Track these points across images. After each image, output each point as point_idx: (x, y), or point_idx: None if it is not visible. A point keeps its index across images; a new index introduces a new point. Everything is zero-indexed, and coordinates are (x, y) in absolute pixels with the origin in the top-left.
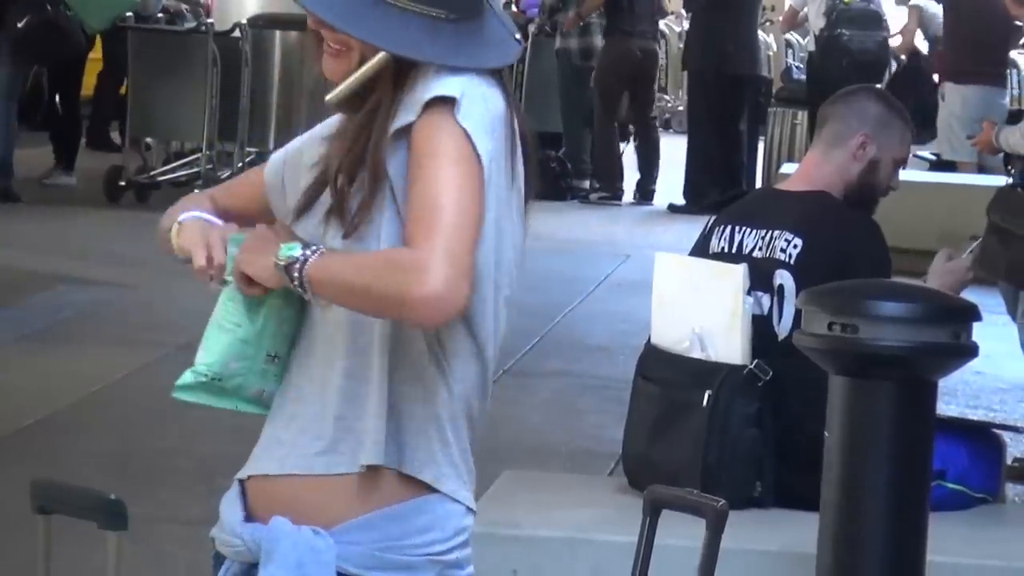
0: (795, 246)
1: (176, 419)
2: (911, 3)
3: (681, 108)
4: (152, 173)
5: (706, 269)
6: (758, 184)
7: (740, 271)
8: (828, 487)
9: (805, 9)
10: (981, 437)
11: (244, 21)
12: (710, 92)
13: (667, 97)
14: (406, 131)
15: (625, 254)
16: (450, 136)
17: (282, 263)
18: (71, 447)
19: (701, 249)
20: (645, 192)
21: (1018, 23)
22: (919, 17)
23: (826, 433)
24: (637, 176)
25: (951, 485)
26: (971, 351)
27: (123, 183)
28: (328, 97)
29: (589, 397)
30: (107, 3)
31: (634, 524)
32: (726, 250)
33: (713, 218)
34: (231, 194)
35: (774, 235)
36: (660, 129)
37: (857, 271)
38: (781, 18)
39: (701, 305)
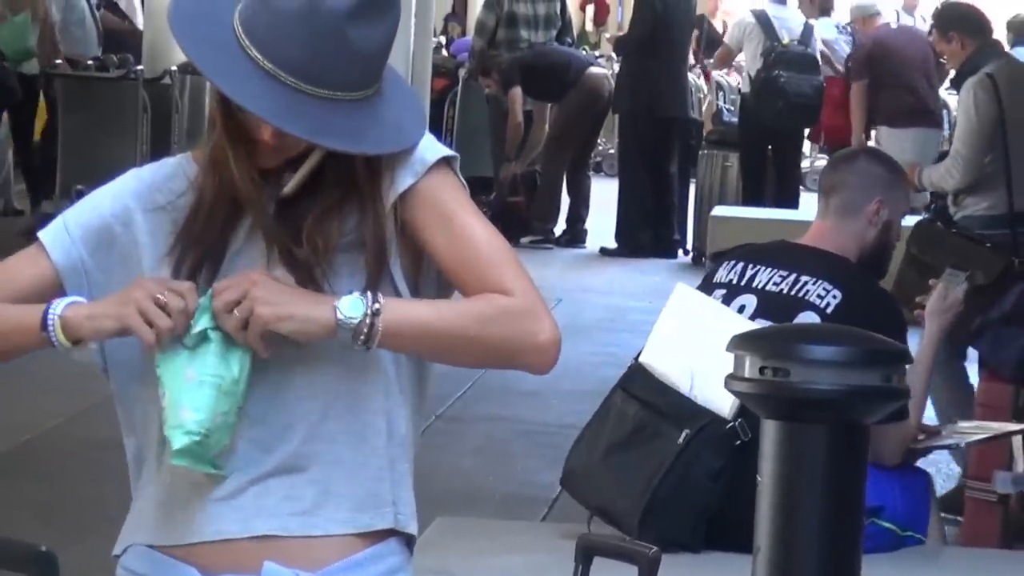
0: (834, 296)
1: (107, 467)
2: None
3: (612, 151)
4: None
5: (722, 314)
6: (690, 226)
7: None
8: (761, 530)
9: (739, 51)
10: (908, 471)
11: (174, 68)
12: (641, 135)
13: (599, 140)
14: (405, 193)
15: (557, 298)
16: (462, 192)
17: (348, 318)
18: (4, 498)
19: (706, 282)
20: (576, 235)
21: (943, 60)
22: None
23: (759, 477)
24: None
25: (885, 524)
26: (903, 394)
27: None
28: (286, 190)
29: (521, 442)
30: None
31: (567, 570)
32: (734, 282)
33: (717, 260)
34: (12, 293)
35: (804, 279)
36: (592, 172)
37: None
38: (715, 56)
39: (704, 345)
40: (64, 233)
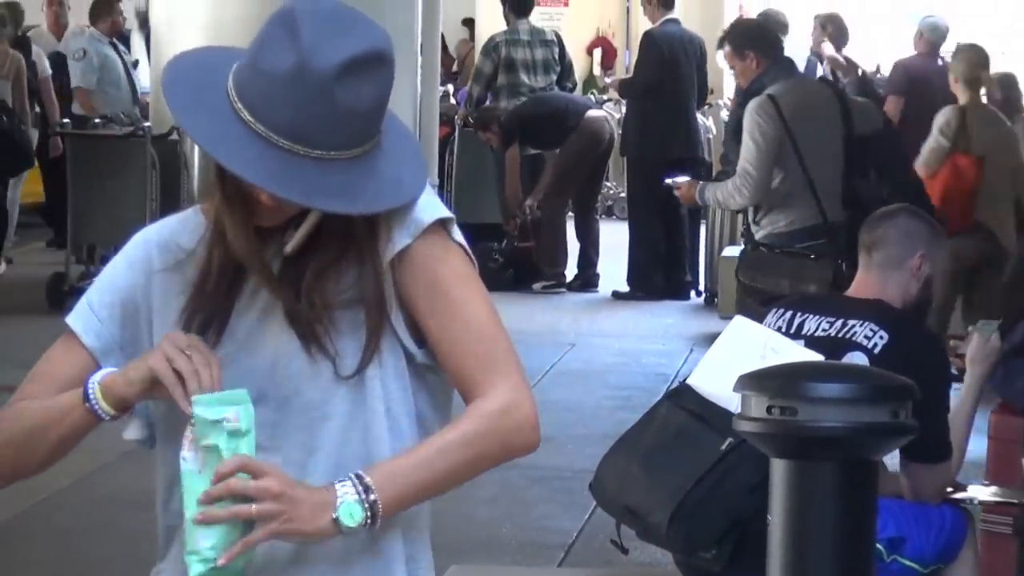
0: (881, 337)
1: (116, 528)
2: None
3: (623, 194)
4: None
5: (781, 342)
6: (701, 267)
7: (814, 357)
8: (772, 569)
9: None
10: (940, 507)
11: None
12: (650, 177)
13: (608, 184)
14: (400, 253)
15: (570, 343)
16: (456, 255)
17: (349, 523)
18: (13, 558)
19: None
20: (588, 279)
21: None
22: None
23: (769, 516)
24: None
25: (907, 562)
26: (911, 429)
27: (66, 289)
28: (287, 249)
29: (537, 488)
30: None
31: None
32: (783, 329)
33: (767, 304)
34: (55, 387)
35: (851, 323)
36: (602, 215)
37: (930, 384)
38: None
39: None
40: (91, 316)
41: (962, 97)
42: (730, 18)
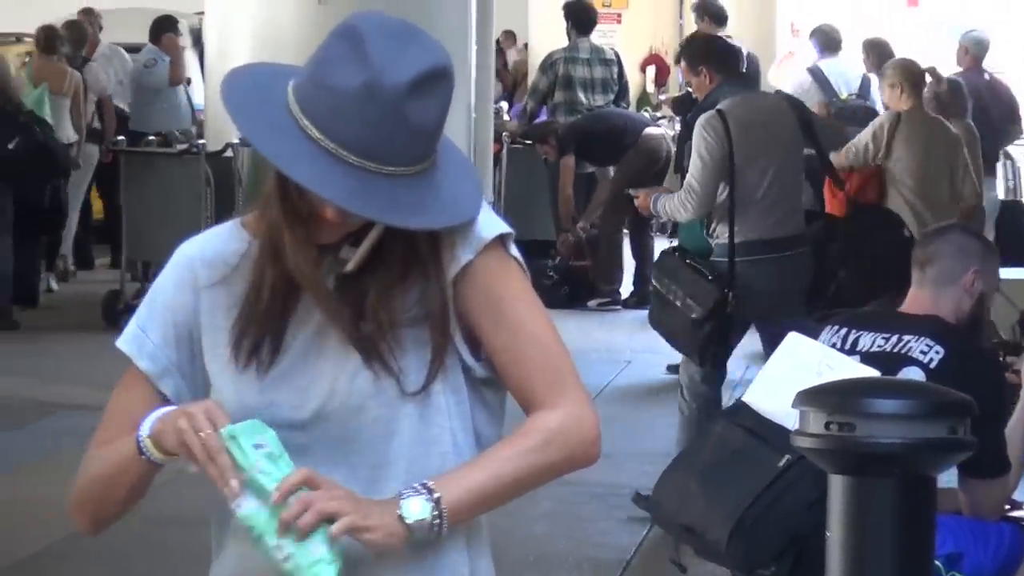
0: (937, 352)
1: (167, 547)
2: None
3: None
4: None
5: (836, 358)
6: None
7: (870, 373)
8: None
9: None
10: (1000, 523)
11: (236, 140)
12: None
13: None
14: (462, 269)
15: (626, 360)
16: (515, 270)
17: (416, 521)
18: None
19: None
20: (643, 296)
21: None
22: None
23: (827, 533)
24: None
25: None
26: (969, 445)
27: (121, 307)
28: (349, 266)
29: (593, 505)
30: None
31: None
32: (837, 345)
33: (822, 321)
34: (127, 424)
35: (906, 339)
36: (657, 232)
37: (987, 399)
38: None
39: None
40: (145, 339)
41: (903, 104)
42: (783, 33)
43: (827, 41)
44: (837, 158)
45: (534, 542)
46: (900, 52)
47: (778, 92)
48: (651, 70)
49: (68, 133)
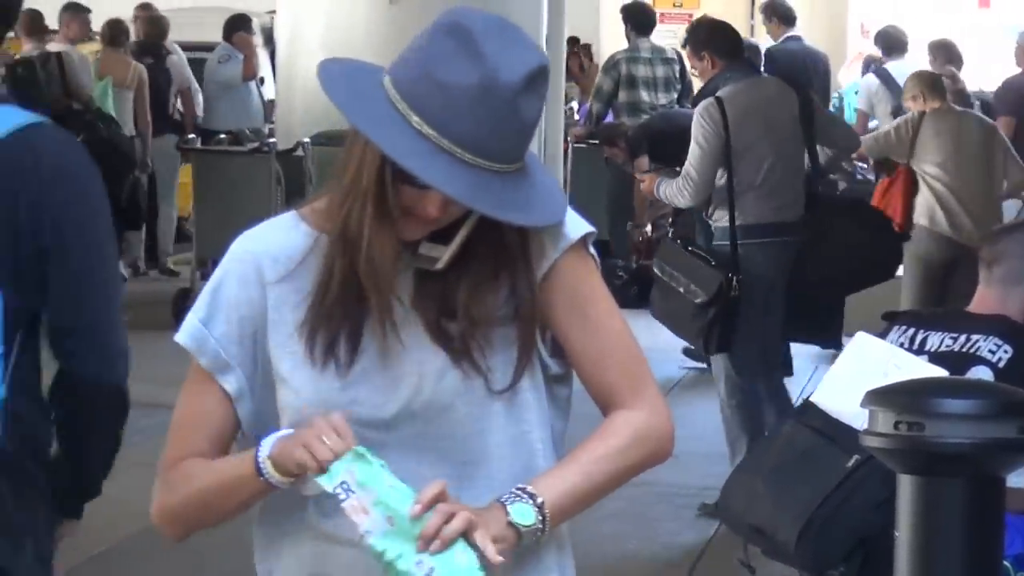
0: (1006, 351)
1: (244, 545)
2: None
3: None
4: None
5: (904, 357)
6: None
7: (939, 372)
8: None
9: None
10: None
11: (306, 139)
12: None
13: None
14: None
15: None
16: (595, 269)
17: (526, 527)
18: (143, 573)
19: None
20: None
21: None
22: None
23: (896, 532)
24: None
25: None
26: None
27: (191, 305)
28: (439, 264)
29: (662, 505)
30: None
31: None
32: (905, 345)
33: (889, 323)
34: (213, 441)
35: (974, 338)
36: None
37: None
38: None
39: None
40: (206, 335)
41: (927, 108)
42: (854, 34)
43: (891, 43)
44: (859, 149)
45: (603, 541)
46: (970, 54)
47: (784, 78)
48: None
49: (130, 126)
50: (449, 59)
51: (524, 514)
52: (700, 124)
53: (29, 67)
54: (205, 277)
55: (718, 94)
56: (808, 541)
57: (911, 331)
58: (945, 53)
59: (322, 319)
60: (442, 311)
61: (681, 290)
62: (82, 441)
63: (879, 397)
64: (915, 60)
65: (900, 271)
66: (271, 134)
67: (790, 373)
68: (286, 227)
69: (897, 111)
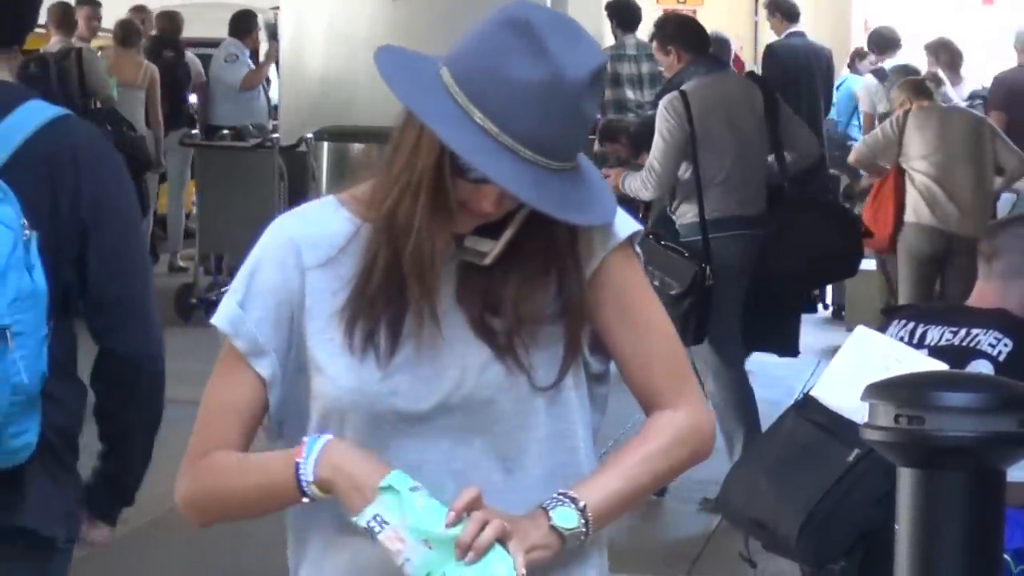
0: (1006, 344)
1: (252, 537)
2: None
3: None
4: (223, 290)
5: (904, 351)
6: None
7: (939, 366)
8: None
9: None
10: None
11: (310, 135)
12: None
13: None
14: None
15: None
16: (641, 272)
17: (570, 532)
18: (149, 564)
19: None
20: None
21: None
22: None
23: (896, 525)
24: None
25: None
26: None
27: (193, 301)
28: (488, 259)
29: (663, 498)
30: None
31: None
32: (905, 340)
33: (888, 317)
34: (243, 429)
35: (974, 332)
36: None
37: None
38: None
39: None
40: (242, 318)
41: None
42: (858, 30)
43: (881, 42)
44: (850, 158)
45: (612, 533)
46: (974, 52)
47: (750, 75)
48: None
49: (140, 126)
50: (513, 55)
51: (567, 518)
52: (664, 117)
53: (42, 64)
54: (208, 272)
55: (683, 87)
56: (809, 535)
57: (911, 325)
58: (949, 51)
59: (363, 307)
60: (486, 306)
61: (656, 283)
62: (124, 422)
63: (879, 391)
64: (912, 59)
65: (900, 272)
66: (275, 130)
67: (796, 353)
68: (327, 212)
69: None
